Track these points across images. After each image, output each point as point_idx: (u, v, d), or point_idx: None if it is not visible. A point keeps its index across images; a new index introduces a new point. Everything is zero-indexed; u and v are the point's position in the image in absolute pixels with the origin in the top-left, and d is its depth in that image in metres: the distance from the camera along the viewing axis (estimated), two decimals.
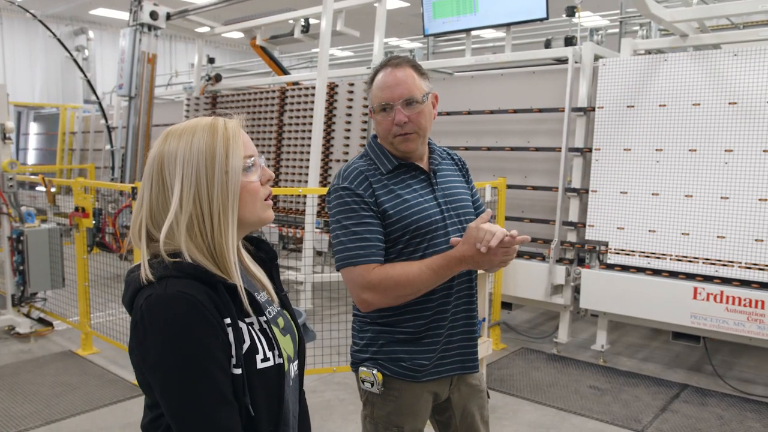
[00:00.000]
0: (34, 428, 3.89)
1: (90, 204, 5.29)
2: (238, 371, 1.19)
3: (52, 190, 9.64)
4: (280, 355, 1.29)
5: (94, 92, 8.78)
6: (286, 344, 1.36)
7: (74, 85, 14.50)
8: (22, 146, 13.49)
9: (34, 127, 13.60)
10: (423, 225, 1.91)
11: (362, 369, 1.98)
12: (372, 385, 1.95)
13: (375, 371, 1.95)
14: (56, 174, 11.56)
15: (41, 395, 4.37)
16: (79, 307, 5.35)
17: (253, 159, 1.29)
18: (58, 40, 7.58)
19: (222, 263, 1.24)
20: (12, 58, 15.03)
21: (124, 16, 7.84)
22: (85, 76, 8.55)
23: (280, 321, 1.37)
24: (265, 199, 1.32)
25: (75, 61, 8.07)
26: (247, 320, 1.26)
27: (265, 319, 1.30)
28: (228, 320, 1.20)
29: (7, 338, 5.60)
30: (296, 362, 1.41)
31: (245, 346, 1.22)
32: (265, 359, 1.25)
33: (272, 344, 1.28)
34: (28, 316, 5.75)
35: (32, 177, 8.26)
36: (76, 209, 5.26)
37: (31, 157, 13.48)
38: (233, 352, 1.19)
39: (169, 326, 1.14)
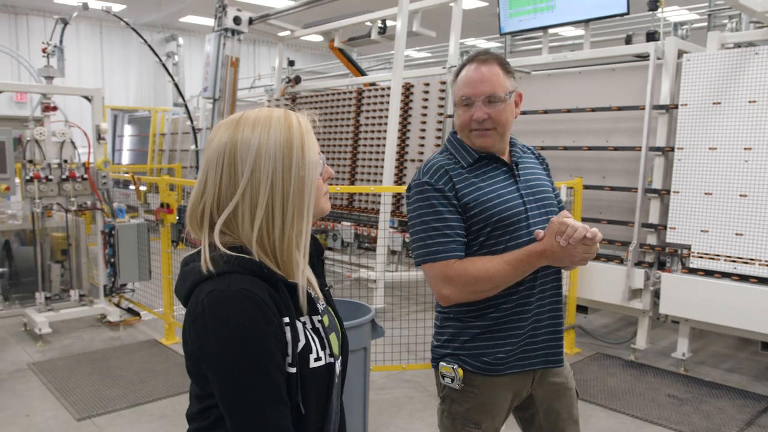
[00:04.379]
0: (121, 410, 4.14)
1: (174, 200, 5.56)
2: (293, 370, 1.20)
3: (143, 188, 10.20)
4: (331, 355, 1.30)
5: (181, 95, 9.21)
6: (333, 343, 1.34)
7: (164, 89, 15.30)
8: (117, 147, 14.30)
9: (128, 129, 14.39)
10: (505, 217, 1.90)
11: (443, 364, 1.98)
12: (452, 380, 1.96)
13: (456, 366, 1.95)
14: (147, 173, 12.19)
15: (128, 380, 4.64)
16: (163, 299, 5.64)
17: (321, 155, 1.30)
18: (149, 45, 8.01)
19: (283, 261, 1.23)
20: (110, 65, 16.01)
21: (211, 22, 8.17)
22: (173, 79, 8.99)
23: (326, 319, 1.36)
24: (324, 194, 1.33)
25: (164, 65, 8.48)
26: (302, 319, 1.26)
27: (319, 318, 1.31)
28: (287, 319, 1.20)
29: (99, 326, 5.97)
30: (339, 359, 1.39)
31: (300, 345, 1.22)
32: (318, 358, 1.25)
33: (324, 343, 1.29)
34: (118, 305, 6.11)
35: (124, 175, 8.75)
36: (162, 205, 5.54)
37: (126, 158, 14.26)
38: (289, 351, 1.20)
39: (231, 324, 1.13)
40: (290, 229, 1.22)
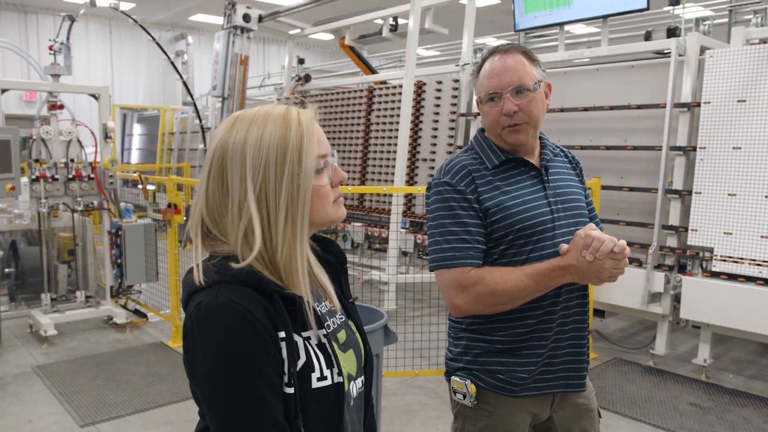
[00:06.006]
0: (125, 416, 4.03)
1: (181, 201, 5.45)
2: (290, 390, 1.08)
3: (152, 188, 10.13)
4: (340, 374, 1.17)
5: (190, 94, 9.13)
6: (347, 361, 1.22)
7: (174, 88, 15.26)
8: (126, 146, 14.26)
9: (137, 128, 14.34)
10: (529, 225, 1.75)
11: (454, 379, 1.85)
12: (464, 396, 1.82)
13: (468, 382, 1.81)
14: (156, 172, 12.12)
15: (133, 384, 4.53)
16: (170, 301, 5.54)
17: (325, 159, 1.17)
18: (157, 43, 7.92)
19: (288, 273, 1.12)
20: (119, 64, 15.98)
21: (221, 20, 8.10)
22: (182, 78, 8.91)
23: (341, 335, 1.24)
24: (335, 200, 1.20)
25: (172, 63, 8.39)
26: (304, 334, 1.14)
27: (325, 333, 1.18)
28: (282, 333, 1.09)
29: (105, 327, 5.88)
30: (360, 379, 1.27)
31: (300, 363, 1.11)
32: (322, 378, 1.13)
33: (331, 361, 1.16)
34: (125, 307, 6.02)
35: (132, 175, 8.69)
36: (169, 205, 5.44)
37: (135, 157, 14.22)
38: (285, 369, 1.08)
39: (217, 340, 1.04)
40: (290, 240, 1.11)
